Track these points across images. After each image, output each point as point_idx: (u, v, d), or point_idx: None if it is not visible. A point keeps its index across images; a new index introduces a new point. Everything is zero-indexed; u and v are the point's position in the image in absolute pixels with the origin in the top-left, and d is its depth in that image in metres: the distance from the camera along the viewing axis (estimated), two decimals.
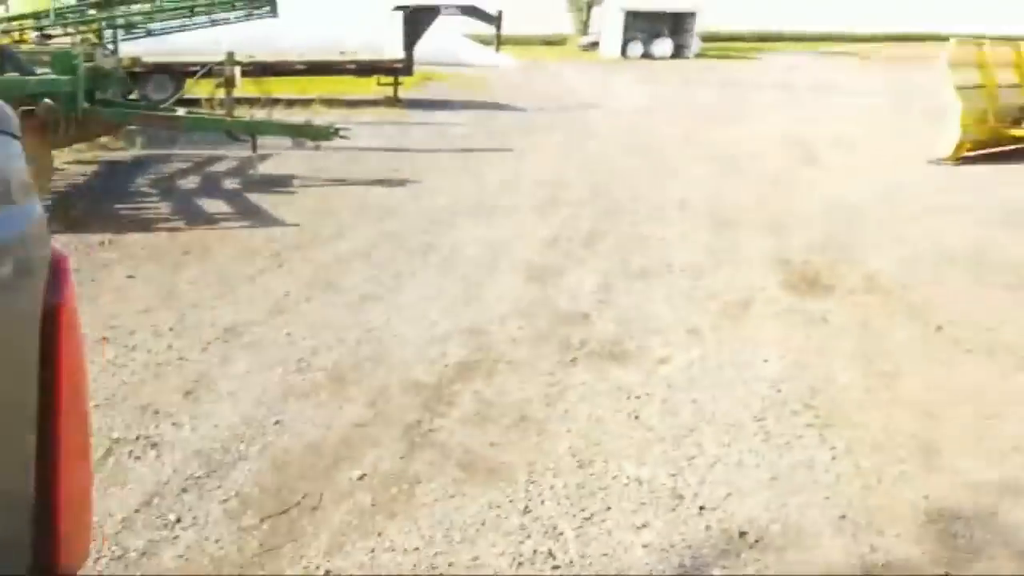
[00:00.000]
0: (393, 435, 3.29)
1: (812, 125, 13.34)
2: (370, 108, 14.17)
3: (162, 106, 9.06)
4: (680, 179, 8.57)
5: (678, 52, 37.86)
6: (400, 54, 14.77)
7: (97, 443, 3.15)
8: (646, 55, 37.33)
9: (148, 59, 12.54)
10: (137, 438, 3.23)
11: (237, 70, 7.97)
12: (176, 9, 9.27)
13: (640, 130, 12.59)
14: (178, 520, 2.74)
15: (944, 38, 10.73)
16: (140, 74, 12.49)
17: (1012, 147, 9.94)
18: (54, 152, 7.26)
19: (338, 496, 2.90)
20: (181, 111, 8.33)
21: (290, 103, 13.27)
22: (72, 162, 8.50)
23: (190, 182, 7.97)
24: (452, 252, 5.74)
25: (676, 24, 38.84)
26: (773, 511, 2.82)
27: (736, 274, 5.34)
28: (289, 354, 4.01)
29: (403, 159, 9.50)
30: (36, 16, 8.49)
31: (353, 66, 14.98)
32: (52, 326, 1.06)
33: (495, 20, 15.98)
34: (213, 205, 6.96)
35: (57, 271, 1.09)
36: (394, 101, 14.79)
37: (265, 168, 8.41)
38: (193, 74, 9.83)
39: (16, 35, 8.42)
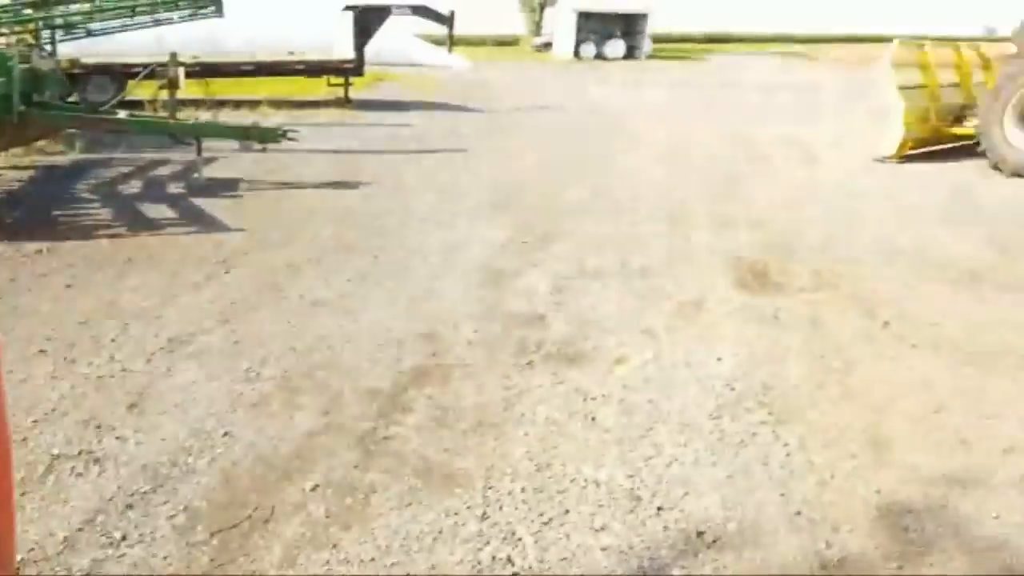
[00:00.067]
0: (347, 444, 3.22)
1: (761, 125, 13.56)
2: (320, 109, 13.97)
3: (103, 108, 8.78)
4: (635, 178, 8.61)
5: (630, 53, 38.23)
6: (350, 54, 14.59)
7: (36, 460, 3.04)
8: (599, 56, 37.59)
9: (88, 60, 12.18)
10: (79, 453, 3.11)
11: (181, 71, 7.77)
12: (116, 9, 9.00)
13: (595, 130, 12.64)
14: (124, 537, 2.64)
15: (888, 39, 10.98)
16: (79, 75, 12.12)
17: (953, 145, 10.23)
18: None
19: (291, 508, 2.83)
20: (123, 114, 8.09)
21: (237, 104, 13.02)
22: (7, 167, 8.20)
23: (132, 187, 7.75)
24: (405, 255, 5.67)
25: (628, 25, 39.21)
26: (730, 509, 2.83)
27: (689, 272, 5.37)
28: (237, 363, 3.91)
29: (355, 161, 9.38)
30: None
31: (302, 67, 14.75)
32: None
33: (447, 20, 15.89)
34: (157, 210, 6.77)
35: None
36: (345, 102, 14.61)
37: (211, 171, 8.22)
38: (135, 75, 9.57)
39: None
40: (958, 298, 4.90)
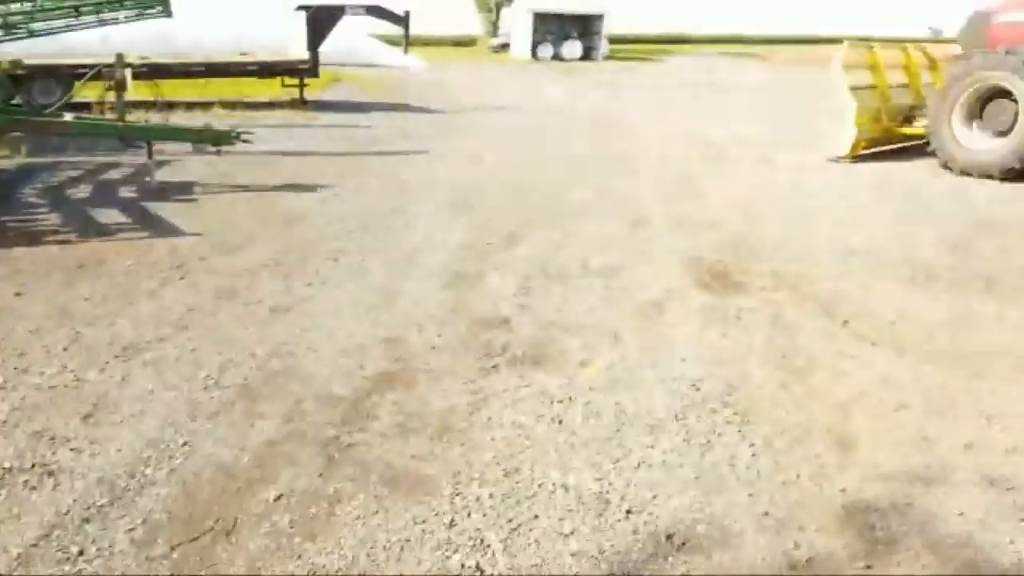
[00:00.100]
0: (310, 452, 3.16)
1: (718, 125, 13.72)
2: (275, 111, 13.75)
3: (49, 111, 8.50)
4: (594, 179, 8.62)
5: (587, 54, 38.48)
6: (305, 55, 14.39)
7: None
8: (556, 57, 37.76)
9: (32, 61, 11.80)
10: (32, 467, 3.00)
11: (128, 72, 7.56)
12: (59, 8, 8.71)
13: (554, 131, 12.65)
14: (81, 553, 2.56)
15: (838, 40, 11.20)
16: (23, 77, 11.72)
17: (904, 144, 10.46)
18: None
19: (254, 519, 2.76)
20: (69, 116, 7.83)
21: (189, 106, 12.75)
22: None
23: (82, 191, 7.52)
24: (365, 258, 5.59)
25: (584, 26, 39.44)
26: (698, 511, 2.83)
27: (651, 273, 5.39)
28: (195, 371, 3.81)
29: (312, 163, 9.25)
30: None
31: (255, 67, 14.51)
32: None
33: (403, 20, 15.77)
34: (108, 215, 6.58)
35: None
36: (300, 103, 14.40)
37: (163, 175, 8.02)
38: (81, 76, 9.29)
39: None
40: (914, 296, 5.00)
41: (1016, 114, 8.70)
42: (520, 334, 4.33)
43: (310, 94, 14.94)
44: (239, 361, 3.93)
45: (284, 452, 3.16)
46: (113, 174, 8.20)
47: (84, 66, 9.60)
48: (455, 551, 2.61)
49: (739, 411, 3.53)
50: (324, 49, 14.73)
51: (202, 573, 2.49)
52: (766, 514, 2.81)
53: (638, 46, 45.66)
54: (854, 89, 9.85)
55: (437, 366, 3.92)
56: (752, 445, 3.25)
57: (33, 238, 5.92)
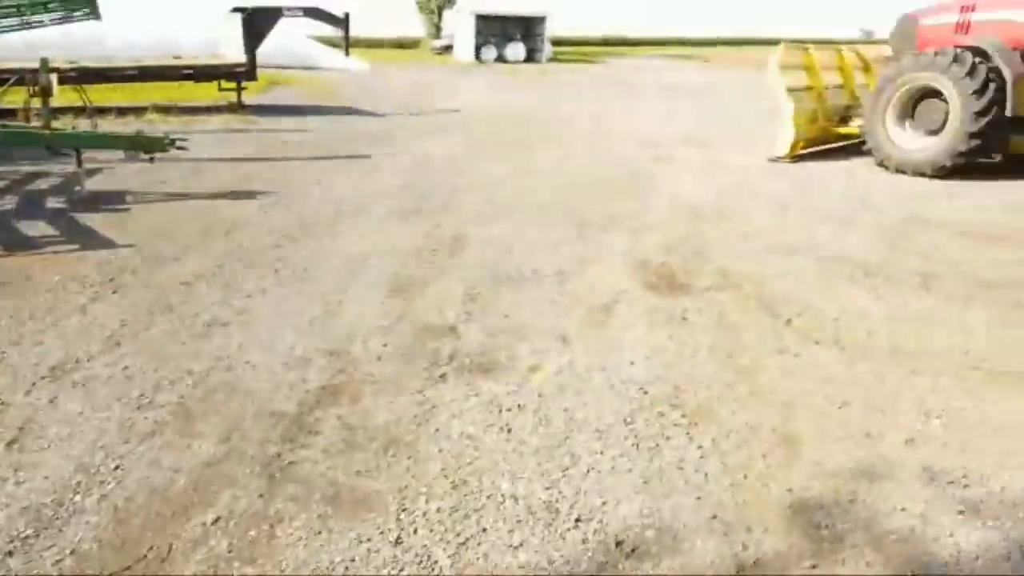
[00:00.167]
0: (250, 472, 3.05)
1: (662, 125, 13.88)
2: (212, 115, 13.43)
3: None
4: (540, 181, 8.61)
5: (531, 56, 38.64)
6: (241, 57, 14.10)
7: None
8: (500, 59, 37.81)
9: None
10: None
11: (54, 77, 7.27)
12: None
13: (501, 134, 12.62)
14: None
15: (775, 42, 11.41)
16: None
17: (840, 144, 10.72)
18: None
19: (190, 544, 2.65)
20: None
21: (121, 111, 12.37)
22: None
23: (6, 203, 7.19)
24: (307, 268, 5.47)
25: (527, 28, 39.59)
26: (647, 516, 2.81)
27: (598, 275, 5.38)
28: (128, 390, 3.65)
29: (251, 169, 9.03)
30: None
31: (191, 71, 14.15)
32: None
33: (342, 22, 15.58)
34: (34, 228, 6.29)
35: None
36: (238, 108, 14.10)
37: (94, 184, 7.74)
38: (4, 82, 8.92)
39: None
40: (854, 293, 5.09)
41: (946, 113, 8.98)
42: (468, 341, 4.27)
43: (248, 98, 14.65)
44: (174, 378, 3.79)
45: (222, 473, 3.05)
46: (40, 184, 7.88)
47: (6, 71, 9.22)
48: (401, 569, 2.54)
49: (687, 413, 3.53)
50: (262, 52, 14.47)
51: None
52: (714, 517, 2.81)
53: (581, 48, 46.04)
54: (791, 90, 10.05)
55: (383, 377, 3.84)
56: (700, 447, 3.26)
57: None
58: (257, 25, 14.19)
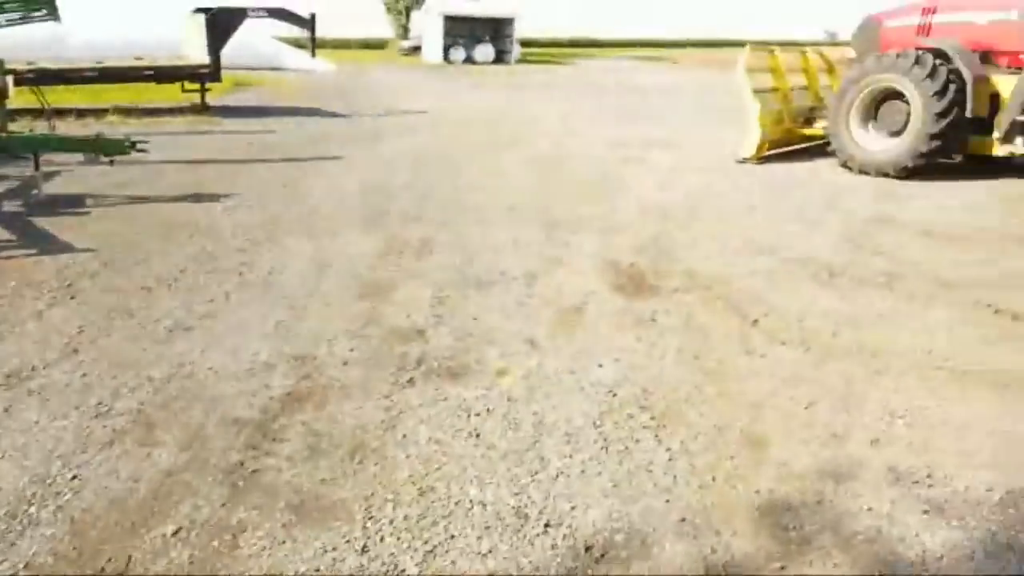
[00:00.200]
0: (212, 481, 2.98)
1: (631, 127, 13.94)
2: (176, 117, 13.23)
3: None
4: (507, 184, 8.59)
5: (500, 57, 38.67)
6: (205, 58, 13.90)
7: None
8: (468, 60, 37.78)
9: None
10: None
11: (9, 79, 7.09)
12: None
13: (468, 136, 12.58)
14: None
15: (741, 43, 11.51)
16: None
17: (805, 145, 10.84)
18: None
19: (150, 556, 2.58)
20: None
21: (80, 113, 12.13)
22: None
23: None
24: (272, 272, 5.39)
25: (496, 30, 39.61)
26: (616, 520, 2.80)
27: (567, 277, 5.37)
28: (86, 398, 3.56)
29: (215, 171, 8.90)
30: None
31: (153, 72, 13.91)
32: None
33: (308, 23, 15.45)
34: None
35: None
36: (202, 109, 13.90)
37: (52, 188, 7.56)
38: None
39: None
40: (819, 294, 5.13)
41: (908, 115, 9.12)
42: (436, 345, 4.23)
43: (212, 99, 14.47)
44: (134, 385, 3.70)
45: (184, 482, 2.98)
46: None
47: None
48: None
49: (655, 415, 3.52)
50: (226, 52, 14.29)
51: None
52: (683, 520, 2.80)
53: (551, 50, 46.15)
54: (757, 92, 10.14)
55: (349, 382, 3.78)
56: (668, 450, 3.25)
57: None
58: (221, 26, 14.01)
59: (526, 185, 8.55)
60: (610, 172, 9.46)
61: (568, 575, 2.53)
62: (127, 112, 12.78)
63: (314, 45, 16.32)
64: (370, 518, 2.79)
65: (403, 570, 2.54)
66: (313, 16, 15.41)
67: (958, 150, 9.57)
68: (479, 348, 4.20)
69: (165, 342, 4.19)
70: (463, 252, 5.92)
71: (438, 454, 3.19)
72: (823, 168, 9.85)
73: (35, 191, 7.26)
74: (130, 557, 2.57)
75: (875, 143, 9.53)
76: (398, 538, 2.69)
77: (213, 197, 7.51)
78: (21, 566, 2.52)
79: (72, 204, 7.09)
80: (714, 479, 3.05)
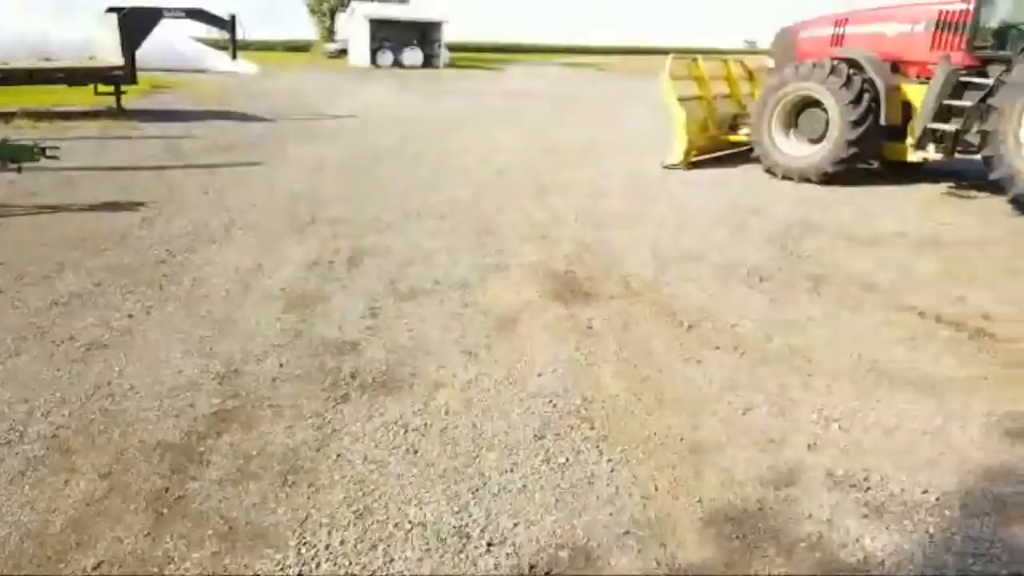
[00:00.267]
0: (135, 509, 2.81)
1: (559, 133, 14.00)
2: (89, 121, 12.67)
3: None
4: (434, 189, 8.49)
5: (428, 62, 38.48)
6: (119, 60, 13.34)
7: None
8: (396, 64, 37.48)
9: None
10: None
11: None
12: None
13: (396, 141, 12.41)
14: None
15: (664, 51, 11.70)
16: None
17: (730, 151, 11.07)
18: None
19: None
20: None
21: None
22: None
23: None
24: (195, 284, 5.16)
25: (424, 34, 39.41)
26: (560, 536, 2.75)
27: (502, 286, 5.31)
28: None
29: (133, 179, 8.53)
30: None
31: (63, 74, 13.28)
32: None
33: (228, 24, 15.02)
34: None
35: None
36: (118, 113, 13.34)
37: None
38: None
39: None
40: (751, 298, 5.21)
41: (826, 122, 9.40)
42: (370, 359, 4.11)
43: (129, 102, 13.92)
44: (48, 409, 3.47)
45: (104, 511, 2.80)
46: None
47: None
48: None
49: (596, 426, 3.50)
50: (142, 54, 13.75)
51: None
52: (627, 533, 2.77)
53: (479, 54, 46.20)
54: (682, 100, 10.31)
55: (279, 400, 3.63)
56: (610, 460, 3.22)
57: None
58: (135, 26, 13.47)
59: (454, 190, 8.47)
60: (543, 178, 9.45)
61: None
62: (36, 116, 12.16)
63: (235, 47, 15.86)
64: (304, 543, 2.67)
65: None
66: (233, 17, 15.00)
67: (875, 156, 9.93)
68: (415, 361, 4.10)
69: (81, 361, 3.95)
70: (394, 261, 5.80)
71: (374, 474, 3.09)
72: (748, 174, 10.06)
73: None
74: None
75: (796, 149, 9.79)
76: (335, 564, 2.58)
77: (131, 206, 7.18)
78: None
79: None
80: (656, 489, 3.03)
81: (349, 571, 2.55)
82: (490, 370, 4.02)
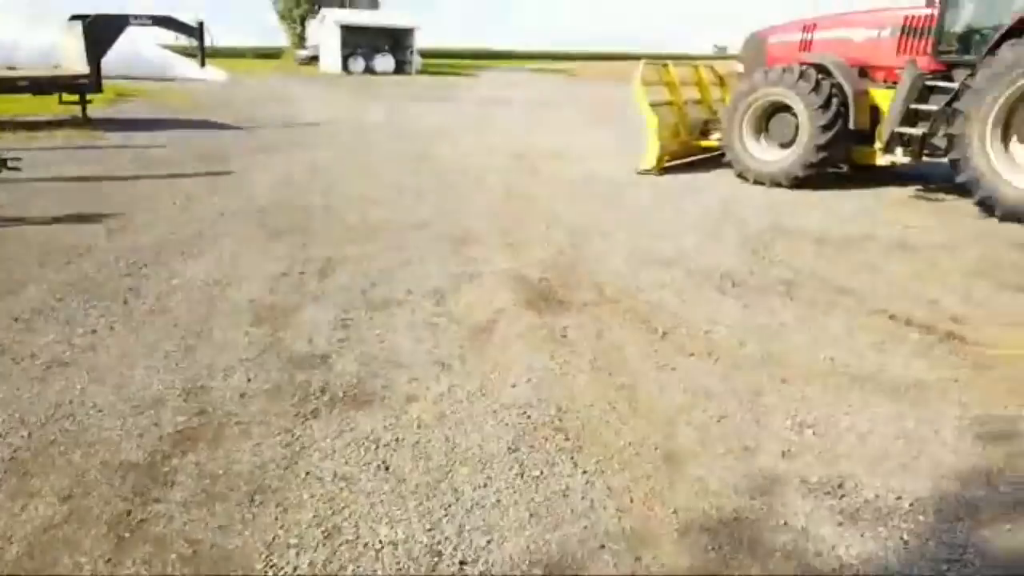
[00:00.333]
0: (96, 533, 2.72)
1: (532, 138, 14.00)
2: (54, 131, 12.44)
3: None
4: (409, 197, 8.43)
5: (400, 68, 38.39)
6: (84, 68, 13.13)
7: None
8: (368, 70, 37.36)
9: None
10: None
11: None
12: None
13: (370, 149, 12.33)
14: None
15: (637, 57, 11.74)
16: None
17: (703, 156, 11.13)
18: None
19: None
20: None
21: None
22: None
23: None
24: (161, 297, 5.05)
25: (396, 41, 39.32)
26: (535, 552, 2.70)
27: (476, 294, 5.26)
28: None
29: (98, 190, 8.37)
30: None
31: (26, 82, 13.04)
32: None
33: (196, 31, 14.84)
34: None
35: None
36: (83, 122, 13.12)
37: None
38: None
39: None
40: (724, 304, 5.20)
41: (796, 127, 9.48)
42: (341, 372, 4.04)
43: (95, 111, 13.71)
44: (5, 430, 3.36)
45: (63, 537, 2.70)
46: None
47: None
48: None
49: (570, 437, 3.45)
50: (108, 62, 13.54)
51: None
52: (603, 547, 2.73)
53: (451, 61, 46.16)
54: (653, 106, 10.34)
55: (247, 417, 3.55)
56: (585, 472, 3.18)
57: None
58: (99, 33, 13.26)
59: (429, 197, 8.42)
60: (518, 183, 9.43)
61: None
62: None
63: (203, 54, 15.68)
64: (271, 566, 2.60)
65: None
66: (201, 24, 14.82)
67: (844, 160, 10.03)
68: (387, 373, 4.04)
69: (41, 380, 3.84)
70: (367, 271, 5.73)
71: (344, 491, 3.02)
72: (720, 179, 10.12)
73: None
74: None
75: (767, 154, 9.86)
76: None
77: (95, 218, 7.04)
78: None
79: None
80: (632, 501, 3.00)
81: None
82: (463, 380, 3.96)
